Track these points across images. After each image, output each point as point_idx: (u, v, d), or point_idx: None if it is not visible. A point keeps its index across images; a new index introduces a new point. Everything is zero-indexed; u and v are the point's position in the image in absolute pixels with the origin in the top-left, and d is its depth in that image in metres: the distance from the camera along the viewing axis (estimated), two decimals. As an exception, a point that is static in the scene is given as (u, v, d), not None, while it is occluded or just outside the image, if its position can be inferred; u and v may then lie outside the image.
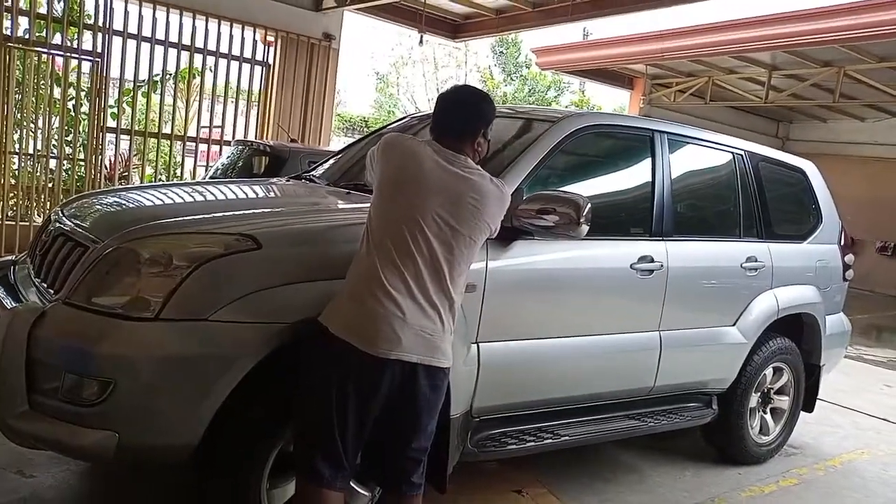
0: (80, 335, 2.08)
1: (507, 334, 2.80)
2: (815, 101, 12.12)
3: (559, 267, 2.96)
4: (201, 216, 2.52)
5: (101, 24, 7.28)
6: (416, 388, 2.08)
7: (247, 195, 3.17)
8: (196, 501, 2.35)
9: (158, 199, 2.92)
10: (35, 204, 7.36)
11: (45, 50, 7.11)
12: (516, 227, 2.74)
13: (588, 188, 3.31)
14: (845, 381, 6.22)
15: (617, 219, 3.39)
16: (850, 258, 4.58)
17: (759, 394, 4.05)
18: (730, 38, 9.99)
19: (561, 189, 2.93)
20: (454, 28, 10.41)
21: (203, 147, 8.57)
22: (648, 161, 3.41)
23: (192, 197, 3.02)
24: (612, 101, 22.72)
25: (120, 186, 6.58)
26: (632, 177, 3.51)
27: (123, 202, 2.83)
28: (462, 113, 2.26)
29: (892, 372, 7.22)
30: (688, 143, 3.68)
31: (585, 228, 2.63)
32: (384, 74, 25.27)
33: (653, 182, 3.39)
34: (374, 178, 2.29)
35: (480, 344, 2.70)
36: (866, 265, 14.80)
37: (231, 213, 2.59)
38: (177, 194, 3.02)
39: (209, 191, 3.18)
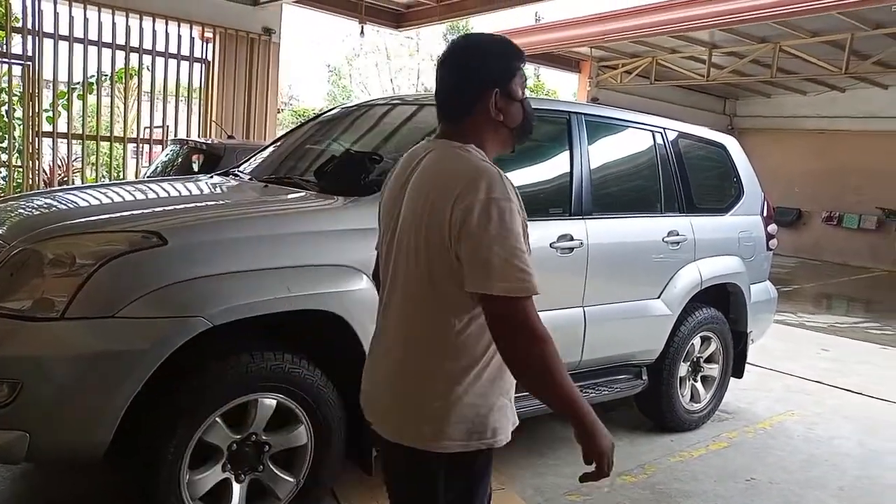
0: (-15, 338, 2.10)
1: (427, 317, 2.87)
2: (756, 76, 12.42)
3: (476, 249, 3.03)
4: (110, 215, 2.55)
5: (30, 26, 7.12)
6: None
7: (164, 193, 3.18)
8: (119, 495, 2.39)
9: (74, 200, 2.93)
10: (-28, 213, 7.20)
11: (-27, 55, 6.95)
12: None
13: (505, 171, 3.38)
14: (784, 346, 6.46)
15: (536, 200, 3.46)
16: (773, 228, 4.75)
17: (688, 363, 4.19)
18: (668, 17, 10.19)
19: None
20: (397, 17, 10.41)
21: (147, 147, 8.47)
22: (566, 142, 3.50)
23: (110, 197, 3.02)
24: (567, 86, 22.86)
25: (39, 190, 6.48)
26: (550, 158, 3.60)
27: (37, 206, 2.83)
28: (446, 80, 1.55)
29: (831, 336, 7.50)
30: (605, 123, 3.78)
31: (496, 210, 2.71)
32: (336, 67, 25.13)
33: (571, 163, 3.48)
34: None
35: (400, 327, 2.76)
36: (814, 235, 15.30)
37: (141, 210, 2.61)
38: (92, 195, 3.03)
39: (127, 190, 3.19)
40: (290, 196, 2.99)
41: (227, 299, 2.27)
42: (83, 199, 2.94)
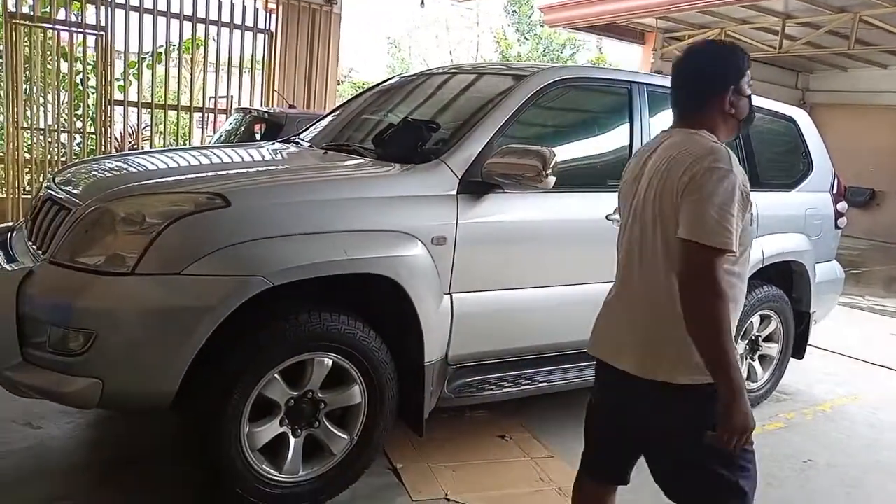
0: (62, 290, 2.23)
1: (481, 285, 2.89)
2: (832, 48, 11.83)
3: (532, 219, 3.03)
4: (178, 177, 2.65)
5: (103, -3, 7.37)
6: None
7: (228, 158, 3.28)
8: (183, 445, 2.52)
9: (142, 164, 3.05)
10: (50, 177, 7.56)
11: (51, 25, 7.23)
12: (486, 182, 2.82)
13: (565, 141, 3.36)
14: (852, 330, 6.24)
15: (593, 171, 3.44)
16: (842, 206, 4.57)
17: (746, 341, 4.10)
18: (739, -14, 9.78)
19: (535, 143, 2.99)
20: (458, -12, 10.32)
21: (212, 116, 8.70)
22: (626, 113, 3.44)
23: (175, 161, 3.13)
24: (630, 58, 22.31)
25: (109, 154, 6.71)
26: (609, 129, 3.55)
27: (109, 168, 2.96)
28: (688, 80, 1.90)
29: (902, 322, 7.19)
30: (666, 93, 3.67)
31: (552, 180, 2.70)
32: (396, 40, 25.13)
33: (631, 133, 3.42)
34: None
35: (453, 295, 2.80)
36: (889, 217, 14.57)
37: (207, 174, 2.70)
38: (161, 159, 3.14)
39: (193, 155, 3.29)
40: (348, 162, 3.05)
41: (287, 260, 2.34)
42: (152, 163, 3.06)
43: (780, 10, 10.93)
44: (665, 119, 3.64)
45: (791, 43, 11.82)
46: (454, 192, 2.78)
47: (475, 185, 2.82)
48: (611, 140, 3.52)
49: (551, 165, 2.67)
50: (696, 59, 1.90)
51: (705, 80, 1.86)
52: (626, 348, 1.84)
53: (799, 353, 4.40)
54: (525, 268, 3.04)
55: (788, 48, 11.86)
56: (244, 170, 2.93)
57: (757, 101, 4.19)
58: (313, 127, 3.98)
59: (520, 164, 2.71)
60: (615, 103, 3.49)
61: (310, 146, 3.52)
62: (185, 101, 8.34)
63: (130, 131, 8.27)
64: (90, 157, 4.08)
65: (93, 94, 7.63)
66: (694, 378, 1.71)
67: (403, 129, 3.03)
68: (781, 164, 4.42)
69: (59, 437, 3.03)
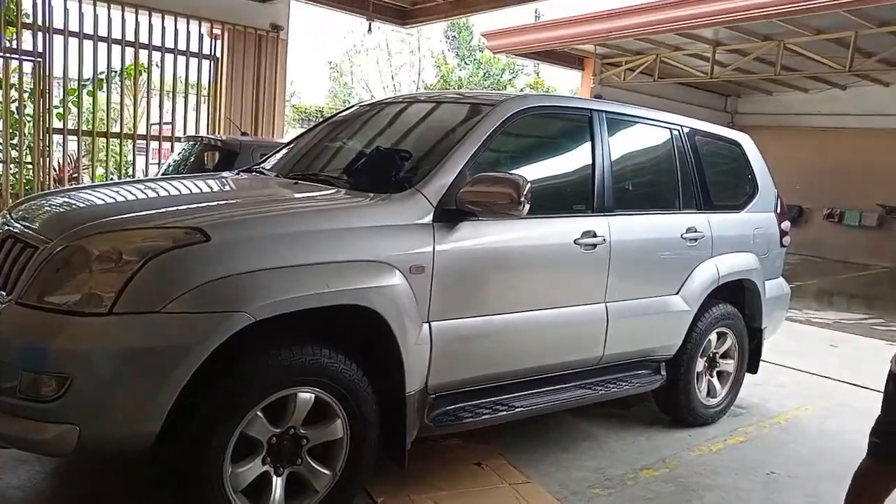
0: (34, 333, 2.13)
1: (457, 313, 2.90)
2: (759, 74, 12.47)
3: (505, 245, 3.06)
4: (150, 212, 2.57)
5: (40, 23, 7.13)
6: None
7: (196, 189, 3.21)
8: (159, 490, 2.42)
9: (107, 197, 2.94)
10: (-17, 209, 7.21)
11: (-17, 51, 6.96)
12: (460, 210, 2.85)
13: (531, 168, 3.43)
14: (792, 343, 6.50)
15: (560, 196, 3.51)
16: (786, 225, 4.80)
17: (704, 358, 4.23)
18: (673, 15, 10.23)
19: (503, 171, 3.04)
20: (403, 14, 10.41)
21: (155, 144, 8.48)
22: (588, 139, 3.54)
23: (142, 193, 3.05)
24: (567, 83, 22.90)
25: (68, 187, 6.48)
26: (573, 155, 3.64)
27: (72, 202, 2.85)
28: None
29: (838, 333, 7.56)
30: (626, 120, 3.82)
31: (526, 207, 2.75)
32: (337, 64, 25.12)
33: (593, 160, 3.52)
34: None
35: (432, 323, 2.80)
36: (815, 232, 15.36)
37: (180, 207, 2.63)
38: (126, 191, 3.05)
39: (158, 187, 3.21)
40: (322, 193, 3.02)
41: (270, 294, 2.30)
42: (119, 196, 2.96)
43: (711, 38, 11.48)
44: (626, 144, 3.80)
45: (721, 69, 12.41)
46: (430, 221, 2.80)
47: (450, 214, 2.85)
48: (575, 165, 3.61)
49: (524, 193, 2.73)
50: None
51: None
52: None
53: (753, 367, 4.57)
54: (500, 294, 3.07)
55: (719, 73, 12.44)
56: (218, 202, 2.87)
57: (706, 126, 4.43)
58: (274, 156, 3.94)
59: (494, 191, 2.76)
60: (578, 130, 3.59)
61: (276, 176, 3.48)
62: (128, 129, 8.10)
63: (70, 160, 7.96)
64: (48, 191, 3.92)
65: (29, 122, 7.34)
66: None
67: (376, 158, 3.03)
68: (730, 186, 4.62)
69: (19, 486, 2.86)
